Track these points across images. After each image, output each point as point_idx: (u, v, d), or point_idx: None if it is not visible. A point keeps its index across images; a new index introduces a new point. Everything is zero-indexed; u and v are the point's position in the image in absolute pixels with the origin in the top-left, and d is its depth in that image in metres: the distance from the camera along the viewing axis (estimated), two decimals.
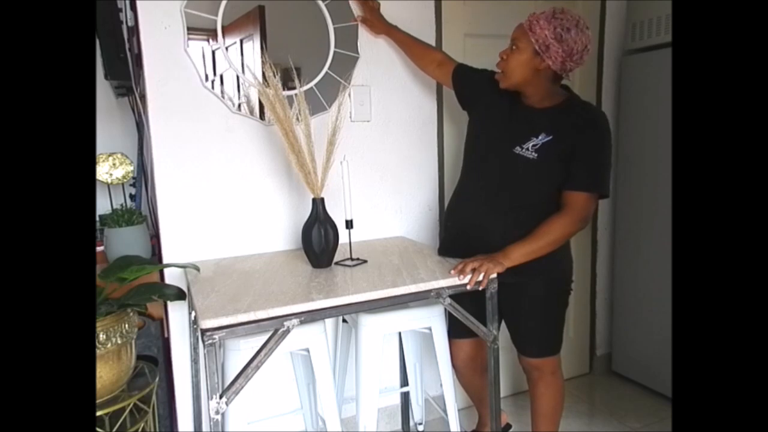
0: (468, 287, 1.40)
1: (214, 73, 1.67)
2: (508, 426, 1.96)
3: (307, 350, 1.45)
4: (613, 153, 2.44)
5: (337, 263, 1.58)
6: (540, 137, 1.47)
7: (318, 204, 1.53)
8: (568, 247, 1.61)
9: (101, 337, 1.37)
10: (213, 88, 1.68)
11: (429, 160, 2.07)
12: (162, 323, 1.73)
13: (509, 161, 1.51)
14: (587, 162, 1.45)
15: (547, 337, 1.63)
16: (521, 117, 1.53)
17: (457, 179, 1.72)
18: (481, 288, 1.41)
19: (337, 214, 1.59)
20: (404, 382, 1.97)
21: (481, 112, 1.66)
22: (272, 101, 1.48)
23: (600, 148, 1.47)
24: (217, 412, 1.17)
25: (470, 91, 1.71)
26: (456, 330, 1.71)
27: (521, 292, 1.56)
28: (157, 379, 1.59)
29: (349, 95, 1.88)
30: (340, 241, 1.55)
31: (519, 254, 1.44)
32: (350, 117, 1.90)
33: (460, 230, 1.65)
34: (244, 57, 1.71)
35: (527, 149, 1.48)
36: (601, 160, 1.47)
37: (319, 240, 1.51)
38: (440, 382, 1.66)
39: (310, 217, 1.54)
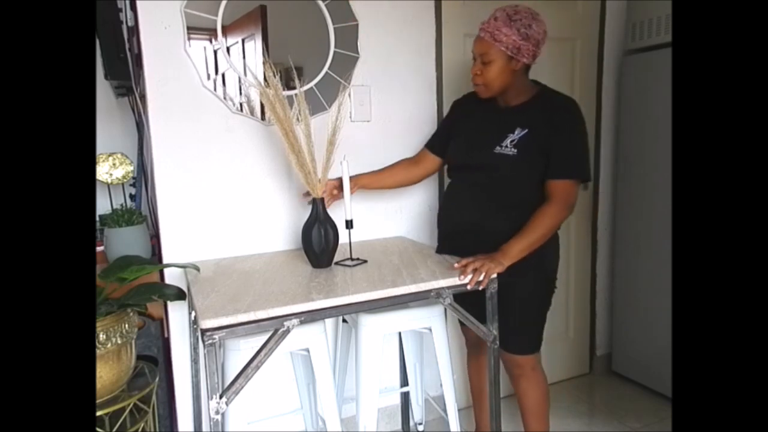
0: (468, 287, 1.40)
1: (216, 73, 1.67)
2: None
3: (307, 350, 1.45)
4: (617, 153, 2.46)
5: (337, 263, 1.58)
6: (516, 132, 1.51)
7: (318, 204, 1.53)
8: (556, 246, 1.64)
9: (101, 337, 1.37)
10: (214, 88, 1.68)
11: None
12: (162, 323, 1.73)
13: (493, 162, 1.53)
14: (564, 149, 1.48)
15: (532, 334, 1.65)
16: (497, 118, 1.57)
17: None
18: (481, 288, 1.41)
19: (337, 214, 1.59)
20: (404, 382, 1.97)
21: (461, 132, 1.68)
22: (272, 101, 1.48)
23: (574, 135, 1.49)
24: (217, 412, 1.17)
25: (449, 135, 1.71)
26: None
27: (511, 291, 1.56)
28: (157, 379, 1.60)
29: (349, 95, 1.88)
30: (340, 241, 1.55)
31: (517, 250, 1.45)
32: (350, 117, 1.90)
33: (455, 233, 1.67)
34: (245, 57, 1.71)
35: (506, 146, 1.51)
36: (577, 146, 1.49)
37: (319, 240, 1.51)
38: (440, 382, 1.66)
39: (310, 217, 1.54)
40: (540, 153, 1.48)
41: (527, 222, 1.47)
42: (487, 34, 1.44)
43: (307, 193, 1.57)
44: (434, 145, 1.76)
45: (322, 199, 1.53)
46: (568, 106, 1.51)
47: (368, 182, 1.73)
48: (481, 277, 1.40)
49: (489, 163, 1.54)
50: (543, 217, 1.48)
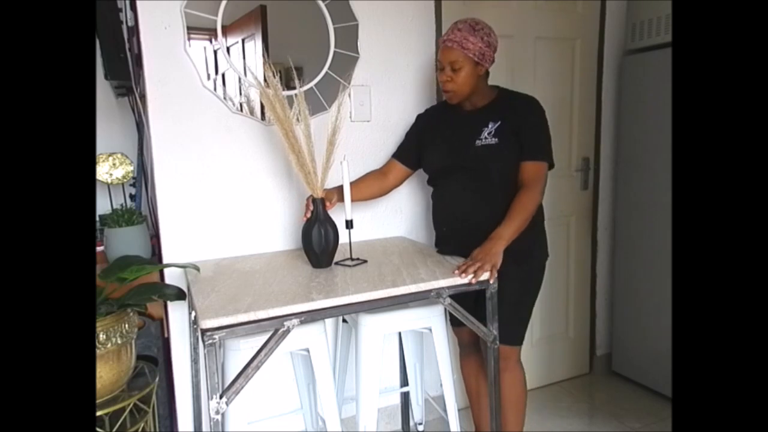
0: (473, 281, 1.42)
1: (216, 73, 1.67)
2: None
3: (307, 350, 1.45)
4: (617, 153, 2.46)
5: (337, 263, 1.58)
6: (490, 125, 1.60)
7: (318, 204, 1.53)
8: (543, 239, 1.70)
9: (101, 337, 1.37)
10: (214, 88, 1.68)
11: None
12: (162, 323, 1.73)
13: (477, 155, 1.59)
14: (535, 135, 1.59)
15: (518, 325, 1.67)
16: (468, 119, 1.64)
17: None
18: (491, 279, 1.43)
19: (337, 214, 1.59)
20: (404, 382, 1.97)
21: (434, 138, 1.72)
22: (272, 101, 1.48)
23: (541, 124, 1.61)
24: (217, 412, 1.17)
25: (419, 145, 1.76)
26: (456, 318, 1.73)
27: (499, 283, 1.55)
28: (157, 379, 1.60)
29: (349, 95, 1.88)
30: (340, 241, 1.55)
31: (509, 234, 1.50)
32: (350, 117, 1.90)
33: (451, 234, 1.71)
34: (245, 57, 1.71)
35: (485, 138, 1.59)
36: (545, 133, 1.61)
37: (319, 240, 1.51)
38: (440, 382, 1.66)
39: (310, 216, 1.54)
40: (516, 138, 1.58)
41: (510, 208, 1.54)
42: (455, 44, 1.53)
43: (306, 212, 1.57)
44: (403, 155, 1.80)
45: (323, 200, 1.53)
46: (530, 99, 1.63)
47: (353, 192, 1.71)
48: (486, 275, 1.41)
49: (474, 157, 1.60)
50: (524, 201, 1.54)
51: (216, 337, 1.15)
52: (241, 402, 1.35)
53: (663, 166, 2.22)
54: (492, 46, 1.56)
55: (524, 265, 1.62)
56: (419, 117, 1.83)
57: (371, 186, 1.80)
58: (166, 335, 1.74)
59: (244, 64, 1.71)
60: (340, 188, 1.61)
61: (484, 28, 1.55)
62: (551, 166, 1.62)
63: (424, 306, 1.57)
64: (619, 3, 2.38)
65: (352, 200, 1.66)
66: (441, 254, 1.67)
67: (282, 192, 1.83)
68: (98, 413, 1.39)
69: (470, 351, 1.85)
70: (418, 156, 1.77)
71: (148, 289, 1.48)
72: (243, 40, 1.70)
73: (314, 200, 1.53)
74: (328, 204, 1.60)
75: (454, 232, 1.70)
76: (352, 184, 1.73)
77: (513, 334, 1.66)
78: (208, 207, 1.72)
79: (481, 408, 1.85)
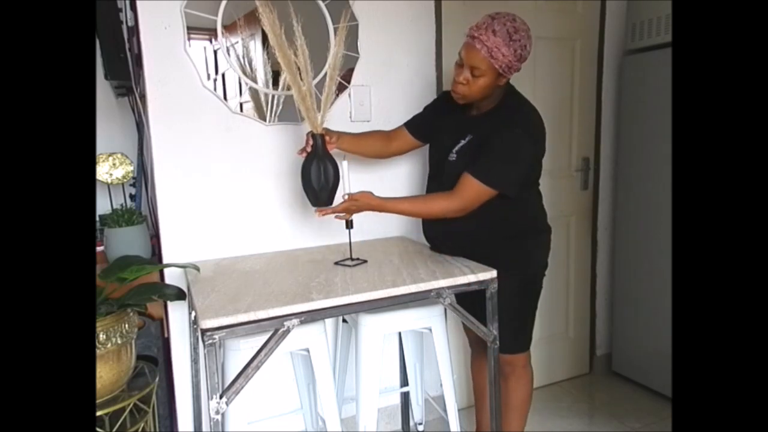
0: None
1: (216, 73, 1.67)
2: None
3: (307, 350, 1.45)
4: (617, 153, 2.45)
5: (336, 263, 1.58)
6: (466, 138, 1.54)
7: (318, 139, 1.49)
8: (544, 248, 1.67)
9: (101, 337, 1.37)
10: (214, 88, 1.68)
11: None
12: (162, 323, 1.73)
13: (446, 170, 1.57)
14: (492, 155, 1.45)
15: (519, 333, 1.66)
16: (460, 124, 1.58)
17: None
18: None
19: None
20: (404, 382, 1.97)
21: (437, 131, 1.69)
22: (271, 22, 1.42)
23: (510, 148, 1.45)
24: (217, 412, 1.17)
25: (432, 125, 1.71)
26: None
27: (497, 291, 1.55)
28: (157, 379, 1.60)
29: (349, 95, 1.88)
30: (339, 241, 1.55)
31: (387, 207, 1.50)
32: (350, 117, 1.90)
33: (435, 238, 1.72)
34: (246, 56, 1.70)
35: (453, 154, 1.55)
36: (507, 158, 1.46)
37: (318, 176, 1.48)
38: (440, 382, 1.66)
39: (309, 153, 1.51)
40: (474, 158, 1.47)
41: (424, 195, 1.53)
42: (485, 49, 1.39)
43: (303, 150, 1.54)
44: (412, 126, 1.75)
45: (322, 136, 1.50)
46: (517, 121, 1.48)
47: (348, 145, 1.66)
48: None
49: (446, 170, 1.57)
50: (435, 201, 1.52)
51: (216, 337, 1.15)
52: (241, 402, 1.35)
53: (663, 166, 2.22)
54: (522, 59, 1.43)
55: (518, 274, 1.59)
56: (444, 95, 1.71)
57: (373, 143, 1.74)
58: (166, 335, 1.74)
59: (244, 64, 1.71)
60: (345, 134, 1.62)
61: (521, 39, 1.39)
62: (502, 191, 1.47)
63: (424, 306, 1.57)
64: (619, 3, 2.38)
65: (350, 150, 1.60)
66: (441, 254, 1.67)
67: (282, 192, 1.83)
68: (98, 413, 1.39)
69: (481, 350, 1.84)
70: (425, 133, 1.72)
71: (148, 289, 1.48)
72: (243, 40, 1.70)
73: (314, 135, 1.49)
74: (327, 140, 1.54)
75: (433, 238, 1.71)
76: (354, 135, 1.70)
77: (514, 343, 1.65)
78: (208, 207, 1.72)
79: (485, 407, 1.85)
